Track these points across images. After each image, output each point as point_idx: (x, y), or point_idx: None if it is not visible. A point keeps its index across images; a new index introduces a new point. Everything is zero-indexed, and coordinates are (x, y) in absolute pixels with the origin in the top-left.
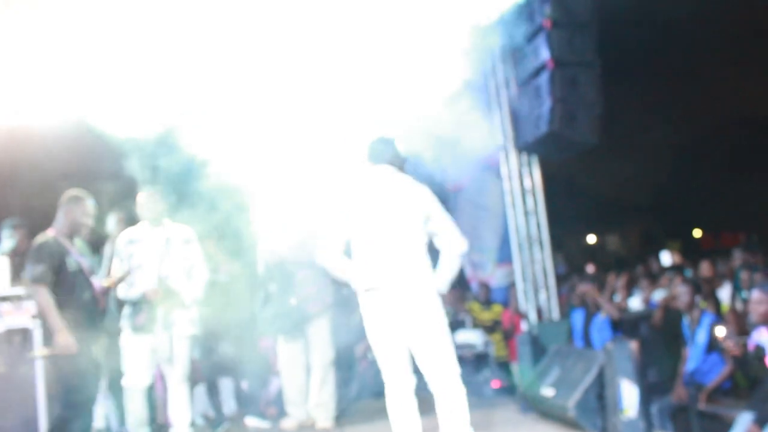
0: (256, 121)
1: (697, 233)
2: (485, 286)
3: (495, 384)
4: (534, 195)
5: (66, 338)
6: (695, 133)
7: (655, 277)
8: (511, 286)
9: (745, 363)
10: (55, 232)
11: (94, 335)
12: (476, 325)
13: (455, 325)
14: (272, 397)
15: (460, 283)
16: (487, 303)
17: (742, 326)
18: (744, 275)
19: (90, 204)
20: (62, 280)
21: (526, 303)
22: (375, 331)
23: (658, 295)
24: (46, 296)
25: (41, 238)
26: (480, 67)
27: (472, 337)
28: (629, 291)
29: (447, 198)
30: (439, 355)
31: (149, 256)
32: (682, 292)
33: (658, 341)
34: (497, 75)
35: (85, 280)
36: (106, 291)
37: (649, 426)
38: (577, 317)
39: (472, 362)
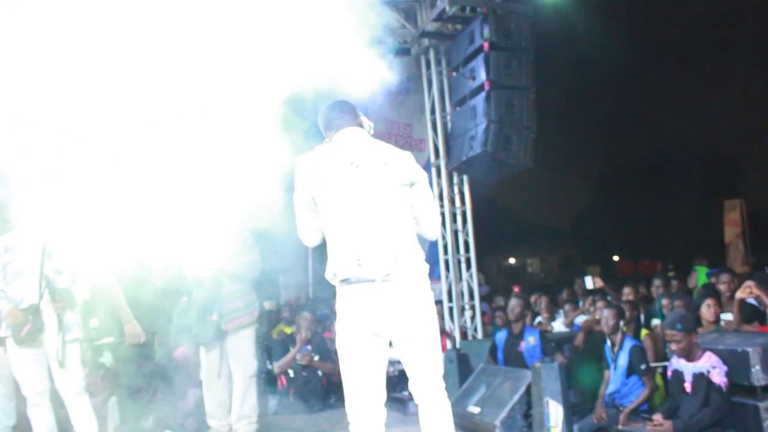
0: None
1: (615, 259)
2: None
3: None
4: (464, 215)
5: (136, 327)
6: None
7: (577, 300)
8: (436, 304)
9: (666, 387)
10: None
11: None
12: None
13: None
14: (190, 408)
15: None
16: None
17: (659, 351)
18: (664, 302)
19: None
20: None
21: (450, 321)
22: (352, 333)
23: (581, 319)
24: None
25: None
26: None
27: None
28: (552, 313)
29: None
30: (432, 358)
31: (28, 262)
32: (607, 315)
33: (580, 363)
34: (433, 94)
35: None
36: None
37: None
38: (501, 337)
39: (395, 379)
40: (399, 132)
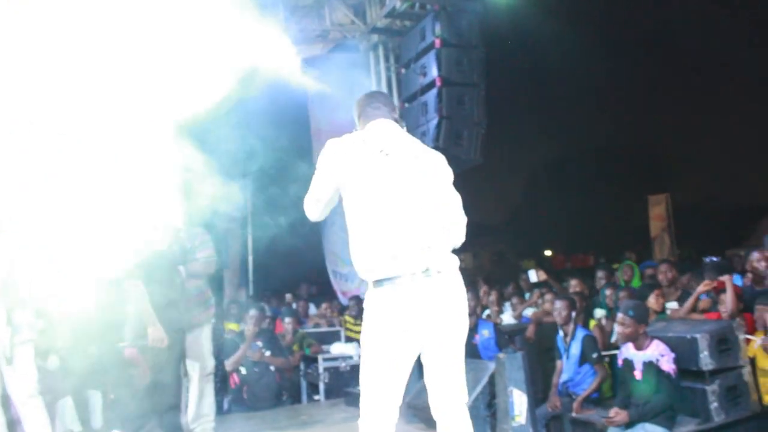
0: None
1: (547, 253)
2: (358, 299)
3: None
4: None
5: (158, 331)
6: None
7: (523, 293)
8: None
9: (616, 375)
10: None
11: None
12: (349, 339)
13: (330, 337)
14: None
15: (331, 294)
16: (360, 315)
17: (606, 341)
18: (608, 292)
19: None
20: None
21: None
22: (386, 332)
23: (529, 311)
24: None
25: None
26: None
27: (348, 349)
28: (500, 306)
29: None
30: (457, 370)
31: None
32: (560, 307)
33: (532, 354)
34: (383, 90)
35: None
36: None
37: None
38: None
39: (348, 374)
40: (345, 130)
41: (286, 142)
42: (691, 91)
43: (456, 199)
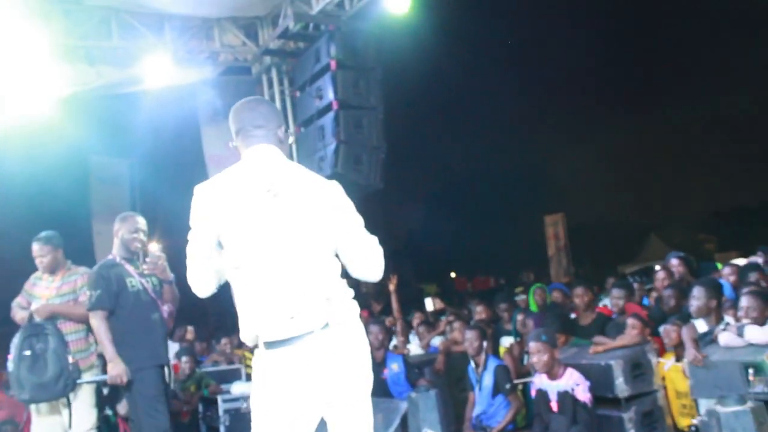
0: None
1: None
2: None
3: None
4: None
5: (117, 368)
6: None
7: (429, 321)
8: None
9: (530, 406)
10: (111, 255)
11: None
12: (251, 376)
13: (229, 375)
14: None
15: (231, 327)
16: None
17: (518, 368)
18: (519, 317)
19: (137, 221)
20: (122, 304)
21: None
22: (279, 402)
23: (437, 340)
24: (99, 323)
25: (100, 262)
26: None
27: (250, 388)
28: (407, 336)
29: None
30: (364, 425)
31: None
32: (471, 337)
33: (443, 386)
34: None
35: (149, 301)
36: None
37: None
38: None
39: (251, 415)
40: (236, 156)
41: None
42: (579, 111)
43: (355, 230)
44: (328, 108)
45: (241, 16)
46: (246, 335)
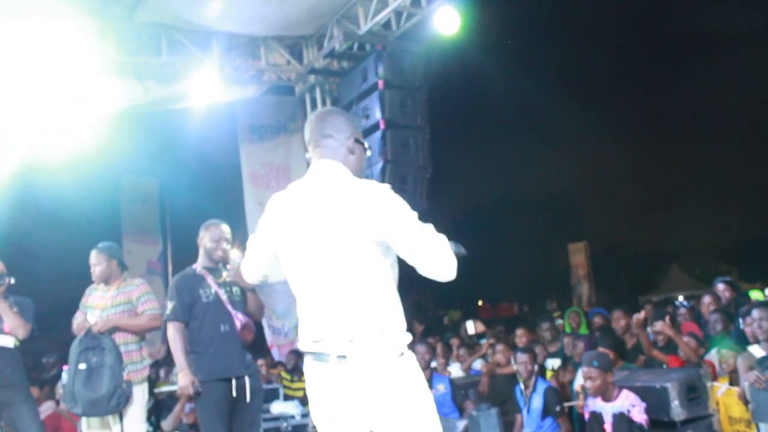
0: None
1: (479, 303)
2: (297, 353)
3: None
4: None
5: (185, 379)
6: (469, 206)
7: (466, 344)
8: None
9: (583, 428)
10: (195, 264)
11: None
12: (288, 397)
13: (267, 395)
14: None
15: (263, 348)
16: (297, 371)
17: (565, 392)
18: (566, 341)
19: (221, 230)
20: (195, 315)
21: None
22: (322, 418)
23: (478, 363)
24: (173, 334)
25: (180, 273)
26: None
27: (289, 407)
28: (447, 359)
29: None
30: None
31: None
32: (525, 360)
33: None
34: None
35: (223, 312)
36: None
37: None
38: None
39: None
40: (277, 174)
41: (216, 185)
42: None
43: (408, 235)
44: (375, 127)
45: (287, 35)
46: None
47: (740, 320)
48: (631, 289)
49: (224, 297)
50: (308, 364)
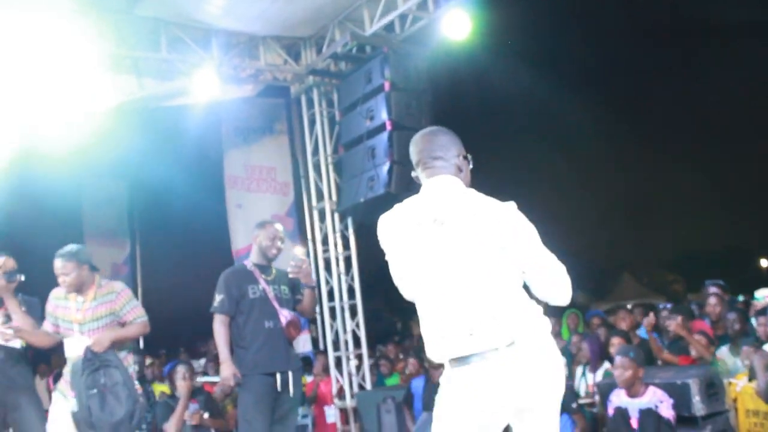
0: None
1: None
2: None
3: None
4: (348, 260)
5: (226, 370)
6: None
7: None
8: (317, 353)
9: (607, 424)
10: (246, 261)
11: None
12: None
13: None
14: None
15: None
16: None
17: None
18: (575, 339)
19: (276, 228)
20: (241, 309)
21: (338, 372)
22: (458, 419)
23: None
24: (218, 326)
25: (230, 267)
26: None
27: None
28: None
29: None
30: None
31: None
32: None
33: None
34: (316, 134)
35: (269, 308)
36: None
37: None
38: (418, 385)
39: None
40: (262, 176)
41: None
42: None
43: (531, 255)
44: (380, 128)
45: (285, 36)
46: (431, 354)
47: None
48: (583, 298)
49: (271, 294)
50: (462, 371)
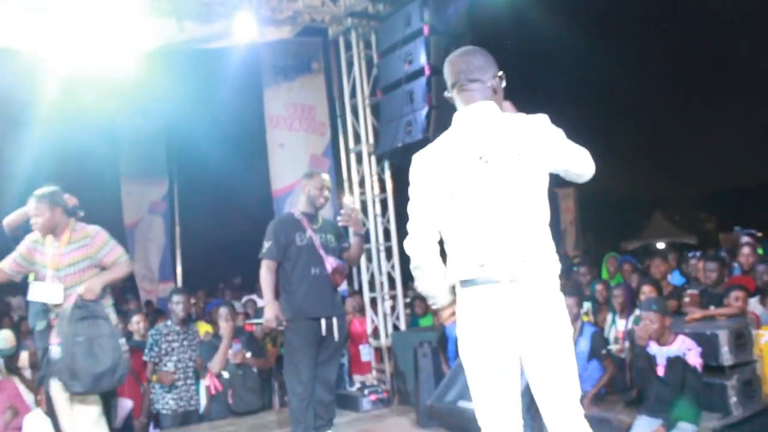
0: None
1: None
2: None
3: (373, 397)
4: (384, 202)
5: (269, 312)
6: None
7: None
8: (352, 293)
9: (634, 369)
10: (294, 209)
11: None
12: None
13: None
14: None
15: None
16: None
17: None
18: (599, 287)
19: (323, 178)
20: (289, 256)
21: (373, 313)
22: (476, 339)
23: None
24: (264, 271)
25: (278, 216)
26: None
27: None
28: None
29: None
30: (568, 377)
31: None
32: (570, 304)
33: None
34: (354, 77)
35: (315, 256)
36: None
37: None
38: (453, 329)
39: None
40: (301, 115)
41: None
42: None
43: (560, 150)
44: (419, 73)
45: None
46: (449, 276)
47: None
48: (614, 235)
49: (318, 242)
50: (469, 292)
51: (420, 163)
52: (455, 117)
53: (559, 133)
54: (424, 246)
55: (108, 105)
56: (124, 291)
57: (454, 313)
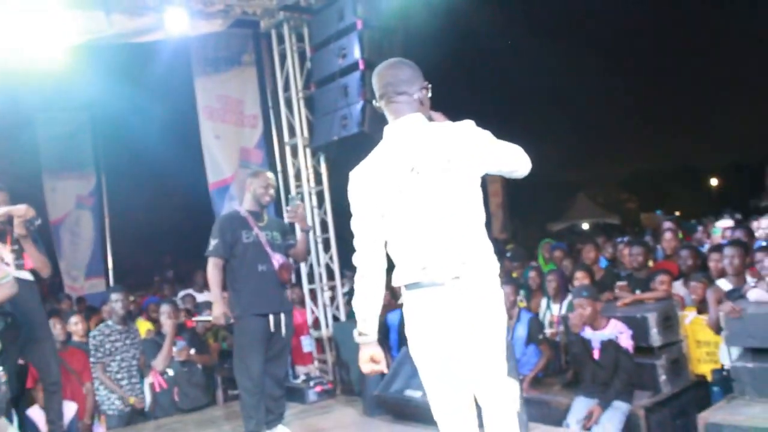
0: None
1: None
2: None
3: (318, 388)
4: (321, 194)
5: (217, 310)
6: None
7: None
8: (292, 285)
9: (570, 354)
10: (240, 207)
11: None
12: None
13: None
14: None
15: None
16: None
17: None
18: (532, 274)
19: (268, 177)
20: (236, 254)
21: (313, 304)
22: (424, 338)
23: None
24: (211, 268)
25: (223, 213)
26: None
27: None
28: None
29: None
30: (497, 360)
31: None
32: (507, 291)
33: None
34: (287, 70)
35: (262, 253)
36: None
37: None
38: (394, 318)
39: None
40: (230, 107)
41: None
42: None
43: (489, 152)
44: (353, 67)
45: None
46: (395, 281)
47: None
48: (541, 217)
49: (264, 239)
50: (413, 294)
51: (357, 179)
52: (386, 131)
53: (486, 136)
54: (371, 258)
55: (26, 98)
56: (53, 289)
57: (374, 362)
